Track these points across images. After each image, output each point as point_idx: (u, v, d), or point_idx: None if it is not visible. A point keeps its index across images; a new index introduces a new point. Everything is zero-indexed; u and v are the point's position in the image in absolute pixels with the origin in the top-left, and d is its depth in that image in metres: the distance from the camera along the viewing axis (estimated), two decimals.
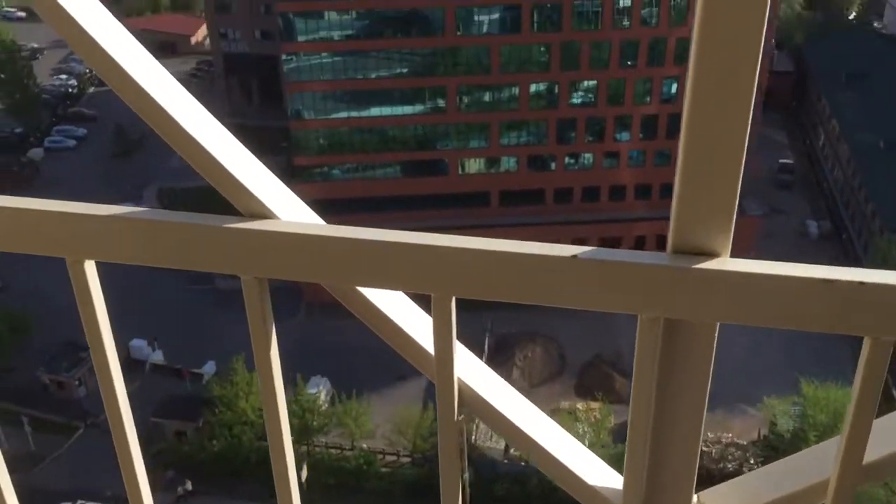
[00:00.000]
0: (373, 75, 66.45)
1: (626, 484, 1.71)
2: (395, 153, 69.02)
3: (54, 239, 1.67)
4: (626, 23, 64.58)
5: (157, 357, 57.66)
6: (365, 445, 50.84)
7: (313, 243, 1.55)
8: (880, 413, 1.51)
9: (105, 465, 29.15)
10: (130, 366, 54.04)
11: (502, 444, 45.61)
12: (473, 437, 45.20)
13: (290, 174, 69.45)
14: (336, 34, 65.44)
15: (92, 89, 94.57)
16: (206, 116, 1.65)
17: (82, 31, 1.54)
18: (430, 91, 67.10)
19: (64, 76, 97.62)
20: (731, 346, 48.79)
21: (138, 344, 57.08)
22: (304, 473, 44.20)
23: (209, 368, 55.56)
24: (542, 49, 66.14)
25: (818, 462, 1.65)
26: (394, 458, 51.16)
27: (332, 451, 51.06)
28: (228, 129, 1.70)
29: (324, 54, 65.58)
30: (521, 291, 1.48)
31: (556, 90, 67.11)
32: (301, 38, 65.13)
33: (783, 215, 75.40)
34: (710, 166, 1.30)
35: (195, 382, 55.45)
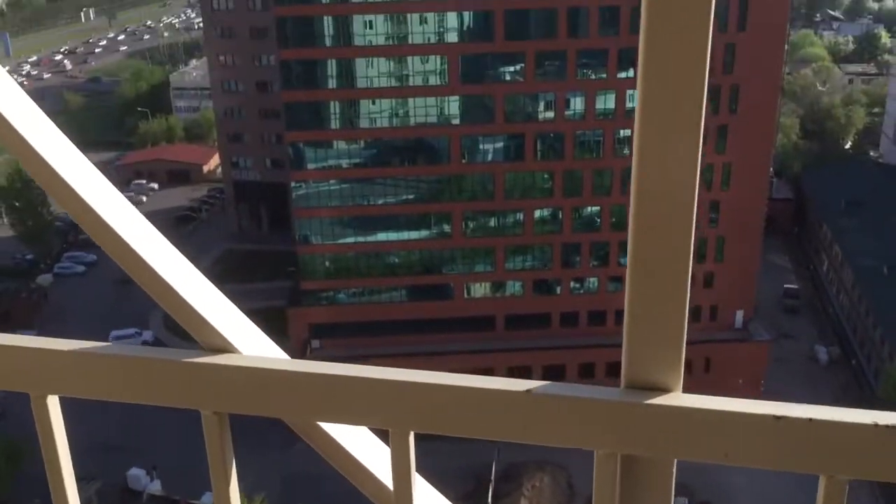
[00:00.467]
0: (380, 201, 67.77)
1: None
2: (400, 277, 69.52)
3: (18, 374, 1.67)
4: (626, 151, 66.30)
5: (155, 487, 56.24)
6: None
7: (274, 378, 1.55)
8: None
9: None
10: (126, 497, 52.64)
11: None
12: None
13: (297, 298, 69.81)
14: (344, 162, 67.20)
15: None
16: (167, 247, 1.67)
17: (41, 160, 1.59)
18: (435, 216, 68.25)
19: None
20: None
21: (136, 473, 55.77)
22: None
23: (208, 500, 54.06)
24: (546, 176, 67.67)
25: None
26: None
27: None
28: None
29: (332, 181, 67.14)
30: (476, 426, 1.48)
31: (560, 216, 68.19)
32: (310, 167, 66.85)
33: (792, 340, 74.98)
34: (657, 305, 1.32)
35: None
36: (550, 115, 66.19)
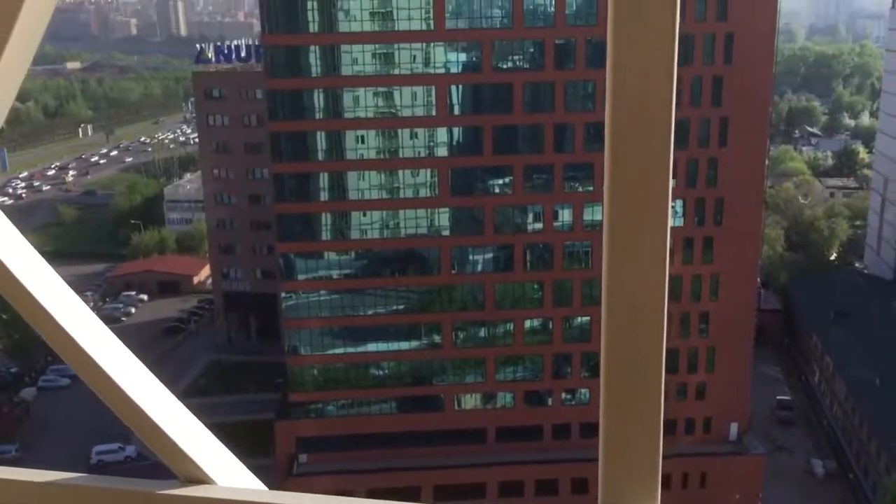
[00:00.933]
0: (370, 312, 67.67)
1: None
2: (390, 389, 68.66)
3: None
4: None
5: None
6: None
7: None
8: None
9: None
10: None
11: None
12: None
13: (285, 411, 68.62)
14: (335, 273, 67.46)
15: None
16: (144, 374, 1.68)
17: (12, 278, 1.61)
18: (426, 327, 68.06)
19: None
20: None
21: None
22: None
23: None
24: (536, 286, 67.97)
25: None
26: None
27: None
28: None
29: (322, 292, 67.20)
30: None
31: (551, 326, 68.11)
32: (301, 277, 67.03)
33: (786, 453, 73.76)
34: (630, 423, 1.31)
35: None
36: (539, 226, 67.10)
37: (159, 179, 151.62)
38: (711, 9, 63.35)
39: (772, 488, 65.56)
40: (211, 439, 1.66)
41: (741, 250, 66.51)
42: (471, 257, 67.74)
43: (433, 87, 64.28)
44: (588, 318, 67.82)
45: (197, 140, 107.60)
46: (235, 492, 1.54)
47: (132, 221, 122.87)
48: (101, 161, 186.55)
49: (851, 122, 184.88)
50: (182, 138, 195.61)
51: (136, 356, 1.75)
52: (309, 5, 62.51)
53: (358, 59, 63.68)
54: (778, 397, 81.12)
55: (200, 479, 1.57)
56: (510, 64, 65.31)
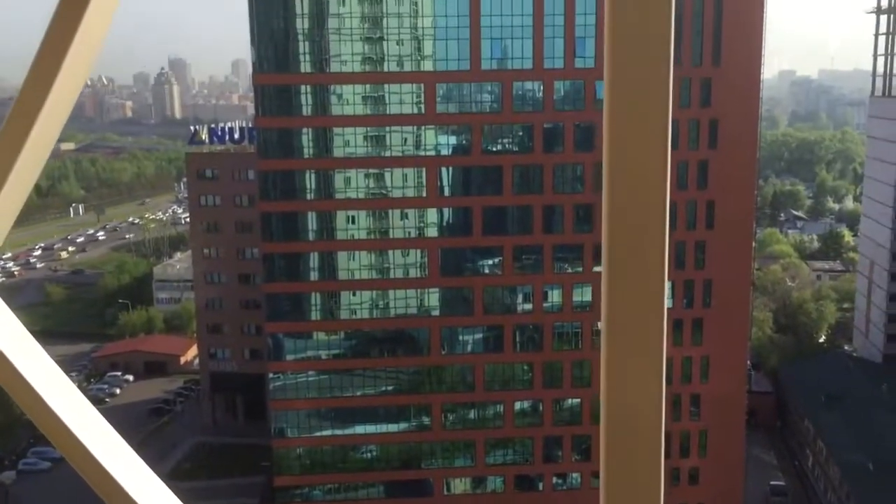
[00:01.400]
0: (358, 393, 66.92)
1: None
2: (378, 472, 67.35)
3: None
4: None
5: None
6: None
7: None
8: None
9: None
10: None
11: None
12: None
13: (270, 495, 67.07)
14: (323, 353, 66.96)
15: None
16: (133, 459, 1.66)
17: (20, 378, 1.61)
18: (414, 409, 67.23)
19: None
20: None
21: None
22: None
23: None
24: (525, 368, 67.54)
25: None
26: None
27: None
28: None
29: (310, 372, 66.56)
30: None
31: (541, 408, 67.42)
32: (289, 357, 66.47)
33: None
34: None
35: None
36: (529, 306, 67.12)
37: (149, 259, 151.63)
38: (695, 95, 64.97)
39: None
40: None
41: (731, 332, 66.54)
42: (460, 338, 67.48)
43: (423, 169, 65.17)
44: (578, 400, 67.21)
45: (188, 220, 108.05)
46: None
47: (120, 301, 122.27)
48: (92, 240, 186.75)
49: (836, 206, 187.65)
50: (173, 218, 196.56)
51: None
52: (302, 89, 63.80)
53: (350, 140, 64.70)
54: (772, 482, 79.90)
55: None
56: (500, 146, 66.44)
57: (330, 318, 66.92)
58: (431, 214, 66.42)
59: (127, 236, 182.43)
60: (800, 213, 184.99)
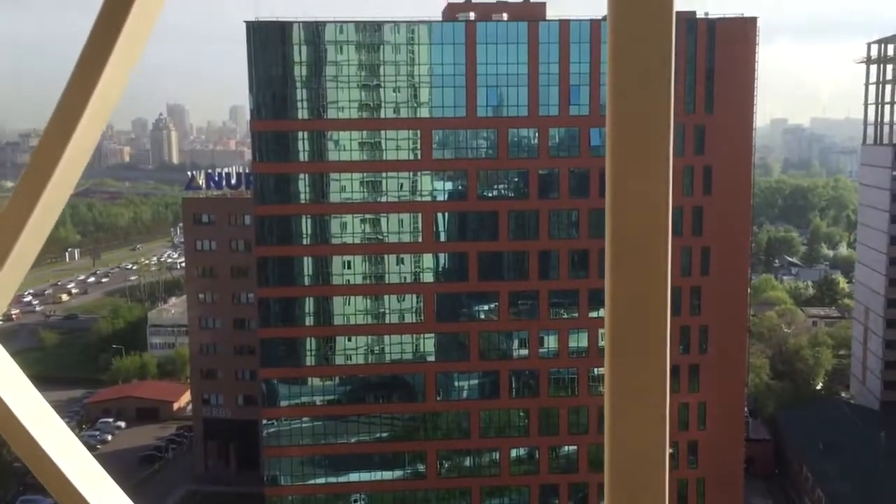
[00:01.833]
0: (353, 440, 66.25)
1: None
2: None
3: None
4: (601, 389, 66.24)
5: None
6: None
7: None
8: None
9: None
10: None
11: None
12: None
13: None
14: (318, 399, 66.44)
15: None
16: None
17: (17, 423, 1.61)
18: (410, 456, 66.50)
19: None
20: None
21: None
22: None
23: None
24: (521, 414, 67.02)
25: None
26: None
27: None
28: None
29: (304, 419, 65.94)
30: None
31: (537, 455, 66.75)
32: (283, 403, 65.92)
33: None
34: None
35: None
36: (525, 352, 66.86)
37: (144, 303, 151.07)
38: (689, 142, 65.60)
39: None
40: None
41: (728, 378, 66.25)
42: (456, 383, 67.06)
43: (419, 214, 65.43)
44: (575, 447, 66.60)
45: (183, 264, 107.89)
46: None
47: (114, 346, 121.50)
48: (86, 285, 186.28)
49: (830, 253, 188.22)
50: (168, 263, 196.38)
51: None
52: (300, 135, 64.31)
53: (346, 186, 65.04)
54: None
55: None
56: (495, 192, 66.81)
57: (325, 364, 66.55)
58: (427, 260, 66.51)
59: (130, 279, 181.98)
60: (794, 260, 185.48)
